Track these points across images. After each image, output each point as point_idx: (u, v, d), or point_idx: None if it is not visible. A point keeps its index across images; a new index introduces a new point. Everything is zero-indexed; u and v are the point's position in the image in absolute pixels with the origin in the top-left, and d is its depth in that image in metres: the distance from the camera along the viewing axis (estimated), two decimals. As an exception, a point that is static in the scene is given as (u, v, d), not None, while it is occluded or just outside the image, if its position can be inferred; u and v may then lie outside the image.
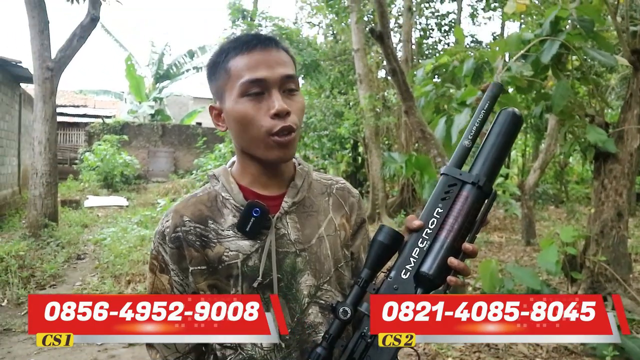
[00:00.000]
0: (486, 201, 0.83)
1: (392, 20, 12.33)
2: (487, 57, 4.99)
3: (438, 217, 0.83)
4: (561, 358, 3.61)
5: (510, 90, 5.07)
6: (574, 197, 13.29)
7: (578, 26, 4.81)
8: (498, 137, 0.83)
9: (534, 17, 8.02)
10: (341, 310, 0.82)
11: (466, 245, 0.82)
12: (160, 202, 9.88)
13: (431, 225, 0.83)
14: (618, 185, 4.65)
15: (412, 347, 0.82)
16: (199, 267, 0.91)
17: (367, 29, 12.01)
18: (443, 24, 13.17)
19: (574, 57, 5.08)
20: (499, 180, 11.01)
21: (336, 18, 11.80)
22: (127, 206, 10.93)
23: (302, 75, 10.26)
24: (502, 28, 13.83)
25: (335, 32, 13.40)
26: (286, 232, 0.93)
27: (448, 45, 13.57)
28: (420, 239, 0.83)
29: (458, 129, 4.69)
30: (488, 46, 13.17)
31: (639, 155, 4.93)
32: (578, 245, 4.86)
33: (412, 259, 0.82)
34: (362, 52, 10.40)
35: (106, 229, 7.91)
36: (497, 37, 13.40)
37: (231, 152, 9.26)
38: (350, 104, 12.12)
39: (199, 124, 18.04)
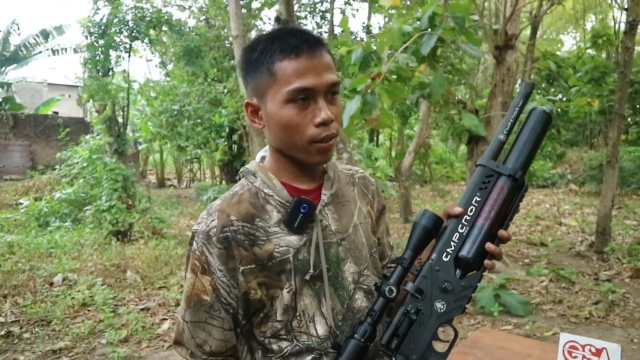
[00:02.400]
0: (520, 191, 0.91)
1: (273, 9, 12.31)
2: (376, 47, 5.30)
3: (476, 205, 0.89)
4: (458, 319, 4.08)
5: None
6: (436, 177, 14.73)
7: (451, 22, 5.33)
8: (531, 134, 0.92)
9: (403, 11, 8.64)
10: (387, 289, 0.86)
11: (502, 231, 0.89)
12: (22, 202, 8.80)
13: (470, 212, 0.89)
14: (489, 163, 5.32)
15: (451, 326, 0.92)
16: (249, 266, 0.91)
17: (249, 13, 11.90)
18: (317, 11, 13.51)
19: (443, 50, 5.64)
20: (376, 163, 11.78)
21: (211, 1, 11.43)
22: (-24, 209, 9.52)
23: (185, 62, 9.82)
24: (369, 19, 14.65)
25: (208, 16, 12.98)
26: (328, 223, 0.96)
27: (321, 34, 13.97)
28: (460, 225, 0.89)
29: (349, 115, 4.95)
30: (361, 37, 13.83)
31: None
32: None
33: (452, 243, 0.89)
34: (241, 38, 10.24)
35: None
36: (366, 28, 14.11)
37: (108, 143, 8.53)
38: (227, 92, 11.88)
39: (56, 113, 16.23)
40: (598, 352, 1.40)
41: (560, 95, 13.93)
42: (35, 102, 17.07)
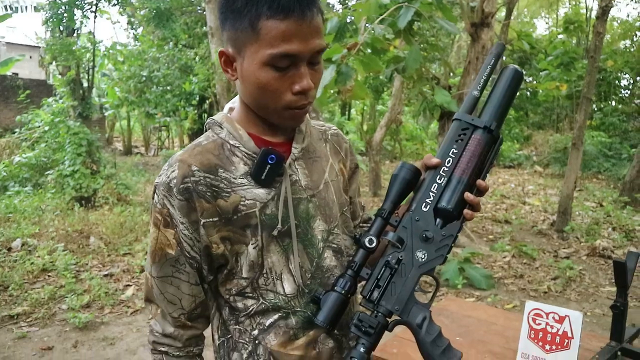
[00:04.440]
0: (495, 145, 0.92)
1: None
2: (353, 18, 5.22)
3: (453, 156, 0.90)
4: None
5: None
6: (407, 153, 14.86)
7: (429, -4, 5.27)
8: (504, 89, 0.92)
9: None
10: (367, 239, 0.85)
11: (480, 181, 0.89)
12: (-22, 166, 8.41)
13: (447, 163, 0.89)
14: (460, 140, 5.37)
15: (433, 276, 0.91)
16: (211, 219, 0.86)
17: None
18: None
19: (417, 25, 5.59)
20: (347, 136, 11.78)
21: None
22: None
23: (155, 24, 9.43)
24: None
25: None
26: (297, 178, 0.93)
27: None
28: (438, 176, 0.89)
29: (323, 85, 4.89)
30: (337, 8, 13.62)
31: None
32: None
33: (431, 194, 0.88)
34: (214, 3, 9.93)
35: None
36: (344, 1, 13.89)
37: (72, 107, 8.20)
38: (198, 58, 11.57)
39: (16, 74, 15.46)
40: (561, 319, 1.43)
41: (530, 79, 14.18)
42: (-7, 61, 16.18)
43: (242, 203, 0.88)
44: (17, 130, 10.98)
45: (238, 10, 0.83)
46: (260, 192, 0.89)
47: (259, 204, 0.88)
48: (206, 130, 0.95)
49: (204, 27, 11.54)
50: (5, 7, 14.93)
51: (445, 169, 0.90)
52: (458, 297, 3.99)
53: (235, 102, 0.98)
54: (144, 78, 11.71)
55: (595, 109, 13.54)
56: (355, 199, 1.10)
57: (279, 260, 0.90)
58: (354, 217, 1.09)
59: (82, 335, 3.32)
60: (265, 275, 0.90)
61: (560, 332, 1.43)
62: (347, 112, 17.47)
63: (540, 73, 12.58)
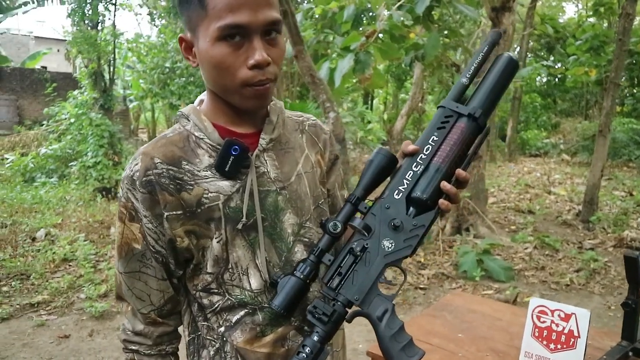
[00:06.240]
0: (480, 135, 0.86)
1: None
2: (370, 4, 5.12)
3: (433, 144, 0.84)
4: (440, 282, 4.10)
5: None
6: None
7: (448, -20, 5.13)
8: (496, 77, 0.86)
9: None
10: (331, 224, 0.81)
11: (459, 170, 0.83)
12: (8, 158, 8.67)
13: (426, 151, 0.84)
14: (480, 129, 5.23)
15: (400, 268, 0.87)
16: (174, 212, 0.84)
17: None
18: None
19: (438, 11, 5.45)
20: (369, 126, 11.67)
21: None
22: (-38, 163, 9.38)
23: (174, 14, 9.47)
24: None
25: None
26: (266, 170, 0.90)
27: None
28: (415, 163, 0.84)
29: (341, 74, 4.82)
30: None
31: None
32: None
33: (405, 181, 0.83)
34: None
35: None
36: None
37: (94, 99, 8.35)
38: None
39: (44, 67, 15.82)
40: (567, 317, 1.36)
41: (559, 64, 13.74)
42: (22, 56, 16.60)
43: (204, 196, 0.85)
44: (44, 122, 11.24)
45: None
46: (225, 185, 0.86)
47: (223, 196, 0.86)
48: (175, 123, 0.93)
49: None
50: (37, 1, 15.25)
51: (423, 156, 0.84)
52: (474, 292, 3.91)
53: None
54: (167, 69, 11.82)
55: (627, 95, 13.04)
56: (335, 191, 1.06)
57: (244, 255, 0.87)
58: (334, 210, 1.04)
59: (98, 324, 3.38)
60: (230, 270, 0.87)
61: (566, 331, 1.36)
62: (370, 102, 17.30)
63: (569, 58, 12.17)
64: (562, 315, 1.38)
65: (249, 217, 0.86)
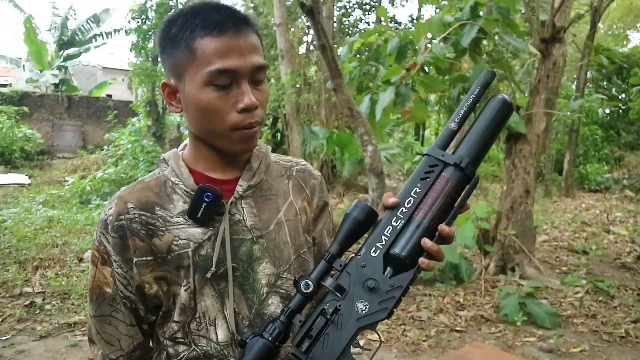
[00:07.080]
0: (468, 185, 0.79)
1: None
2: (412, 37, 5.10)
3: (416, 197, 0.79)
4: (478, 326, 3.87)
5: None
6: (482, 175, 14.22)
7: (494, 12, 5.03)
8: (487, 123, 0.80)
9: (454, 1, 8.31)
10: (303, 283, 0.77)
11: (442, 226, 0.77)
12: (68, 180, 9.18)
13: (407, 204, 0.79)
14: (527, 164, 5.01)
15: (375, 332, 0.80)
16: (144, 259, 0.83)
17: (295, 1, 11.85)
18: (364, 3, 13.29)
19: (486, 43, 5.33)
20: (416, 157, 11.49)
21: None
22: (29, 185, 10.04)
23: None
24: (419, 11, 14.26)
25: (255, 4, 13.03)
26: (242, 218, 0.87)
27: (368, 24, 13.74)
28: (395, 218, 0.78)
29: (382, 107, 4.79)
30: (409, 27, 13.52)
31: (544, 137, 5.34)
32: (491, 220, 5.20)
33: (384, 238, 0.78)
34: (285, 26, 10.23)
35: (6, 210, 7.21)
36: (415, 20, 13.76)
37: (147, 126, 8.77)
38: (272, 80, 11.92)
39: (110, 96, 16.85)
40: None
41: (623, 95, 13.06)
42: (90, 85, 17.83)
43: (175, 243, 0.84)
44: (105, 147, 11.90)
45: (174, 37, 0.82)
46: (196, 232, 0.84)
47: (193, 244, 0.84)
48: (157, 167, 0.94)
49: (276, 50, 11.93)
50: (102, 34, 16.39)
51: (405, 210, 0.79)
52: (514, 338, 3.65)
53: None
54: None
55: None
56: (323, 240, 1.01)
57: (213, 305, 0.84)
58: (318, 260, 0.99)
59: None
60: (198, 320, 0.84)
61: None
62: (421, 133, 17.13)
63: (633, 89, 11.55)
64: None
65: (219, 266, 0.84)
